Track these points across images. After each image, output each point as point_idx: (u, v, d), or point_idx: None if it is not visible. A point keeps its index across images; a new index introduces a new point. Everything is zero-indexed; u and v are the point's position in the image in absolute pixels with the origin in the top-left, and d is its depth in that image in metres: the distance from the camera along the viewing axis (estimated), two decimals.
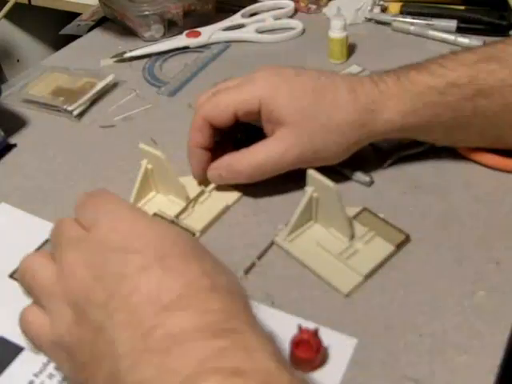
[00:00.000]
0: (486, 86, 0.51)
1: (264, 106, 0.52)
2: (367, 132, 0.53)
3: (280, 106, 0.52)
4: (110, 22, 0.89)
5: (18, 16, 1.19)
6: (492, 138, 0.55)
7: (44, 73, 0.76)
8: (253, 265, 0.50)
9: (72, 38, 0.89)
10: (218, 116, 0.53)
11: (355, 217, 0.52)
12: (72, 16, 1.01)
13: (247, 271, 0.49)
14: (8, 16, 0.81)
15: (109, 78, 0.73)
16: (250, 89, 0.54)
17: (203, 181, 0.56)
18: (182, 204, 0.54)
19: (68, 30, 0.96)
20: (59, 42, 0.94)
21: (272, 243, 0.51)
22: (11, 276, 0.50)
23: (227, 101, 0.53)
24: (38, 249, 0.52)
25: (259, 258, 0.50)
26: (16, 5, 0.79)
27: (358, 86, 0.53)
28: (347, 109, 0.52)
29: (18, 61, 1.28)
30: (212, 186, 0.56)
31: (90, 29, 0.91)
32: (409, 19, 0.80)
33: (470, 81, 0.51)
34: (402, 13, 0.82)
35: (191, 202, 0.55)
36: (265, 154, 0.53)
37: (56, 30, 1.01)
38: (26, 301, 0.48)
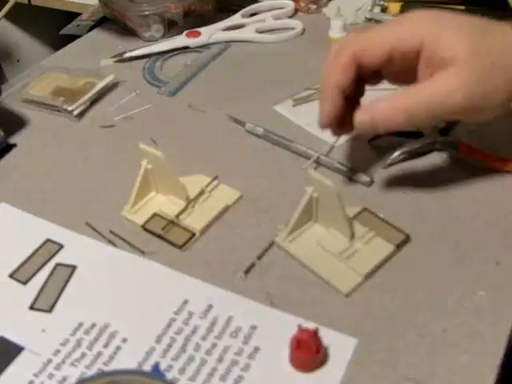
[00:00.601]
0: None
1: (427, 45, 0.47)
2: None
3: (447, 43, 0.47)
4: (110, 22, 0.89)
5: (18, 16, 1.19)
6: None
7: (44, 73, 0.76)
8: (253, 265, 0.50)
9: (72, 37, 0.89)
10: (372, 55, 0.48)
11: (355, 217, 0.52)
12: (72, 16, 1.01)
13: (247, 271, 0.49)
14: (8, 16, 0.81)
15: (109, 78, 0.73)
16: (409, 25, 0.48)
17: (333, 129, 0.53)
18: (182, 204, 0.54)
19: (68, 30, 0.96)
20: (59, 42, 0.94)
21: (272, 243, 0.51)
22: (11, 276, 0.50)
23: (384, 38, 0.48)
24: (38, 249, 0.52)
25: (259, 257, 0.50)
26: (16, 5, 0.79)
27: None
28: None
29: (18, 61, 1.28)
30: (212, 185, 0.56)
31: (90, 29, 0.91)
32: None
33: None
34: (402, 13, 0.82)
35: (191, 201, 0.55)
36: (430, 92, 0.47)
37: (56, 29, 1.01)
38: (26, 301, 0.48)
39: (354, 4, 0.83)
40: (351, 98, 0.51)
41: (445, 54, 0.47)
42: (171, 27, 0.83)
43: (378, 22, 0.82)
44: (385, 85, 0.55)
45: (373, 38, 0.49)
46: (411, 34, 0.47)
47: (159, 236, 0.52)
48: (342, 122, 0.52)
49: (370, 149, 0.60)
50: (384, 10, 0.83)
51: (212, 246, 0.52)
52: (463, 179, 0.56)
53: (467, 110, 0.47)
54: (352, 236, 0.50)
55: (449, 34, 0.47)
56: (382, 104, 0.48)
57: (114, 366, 0.43)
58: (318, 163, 0.59)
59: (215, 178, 0.57)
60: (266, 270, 0.49)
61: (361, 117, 0.49)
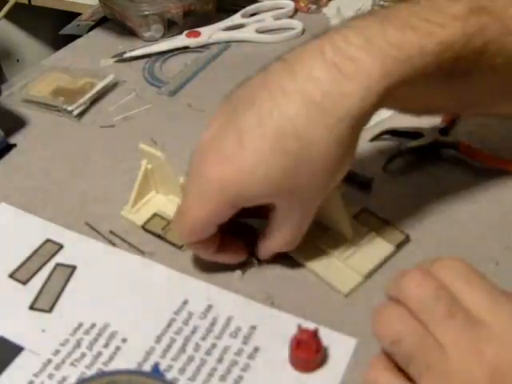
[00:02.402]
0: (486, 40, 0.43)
1: (237, 205, 0.44)
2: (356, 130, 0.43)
3: (254, 196, 0.43)
4: (110, 22, 0.89)
5: (18, 16, 1.19)
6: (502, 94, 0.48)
7: (44, 73, 0.76)
8: (251, 264, 0.50)
9: (72, 37, 0.89)
10: (201, 236, 0.46)
11: (355, 217, 0.51)
12: (72, 16, 1.01)
13: (244, 271, 0.49)
14: (8, 16, 0.81)
15: (109, 78, 0.73)
16: (208, 197, 0.44)
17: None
18: None
19: (68, 30, 0.96)
20: (59, 42, 0.95)
21: None
22: (11, 276, 0.50)
23: (196, 221, 0.45)
24: (38, 249, 0.52)
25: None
26: (16, 5, 0.79)
27: (314, 90, 0.41)
28: (322, 142, 0.42)
29: (17, 61, 1.28)
30: None
31: (90, 29, 0.91)
32: None
33: (467, 40, 0.42)
34: None
35: None
36: (282, 241, 0.47)
37: (56, 29, 1.01)
38: (26, 301, 0.48)
39: (354, 4, 0.83)
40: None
41: (257, 202, 0.44)
42: (171, 27, 0.83)
43: None
44: None
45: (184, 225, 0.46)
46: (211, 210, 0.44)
47: (159, 236, 0.52)
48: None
49: (370, 149, 0.60)
50: None
51: None
52: (463, 179, 0.56)
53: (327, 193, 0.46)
54: (352, 236, 0.50)
55: (247, 189, 0.43)
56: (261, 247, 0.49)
57: (114, 366, 0.43)
58: None
59: None
60: (266, 270, 0.49)
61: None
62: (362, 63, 0.41)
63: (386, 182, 0.56)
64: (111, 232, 0.53)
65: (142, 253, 0.51)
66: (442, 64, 0.42)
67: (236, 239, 0.49)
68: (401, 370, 0.37)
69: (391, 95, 0.42)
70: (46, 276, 0.50)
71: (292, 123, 0.41)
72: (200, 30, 0.82)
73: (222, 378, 0.42)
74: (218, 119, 0.45)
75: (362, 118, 0.42)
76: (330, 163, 0.42)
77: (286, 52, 0.45)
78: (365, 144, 0.60)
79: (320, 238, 0.50)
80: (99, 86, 0.72)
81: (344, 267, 0.48)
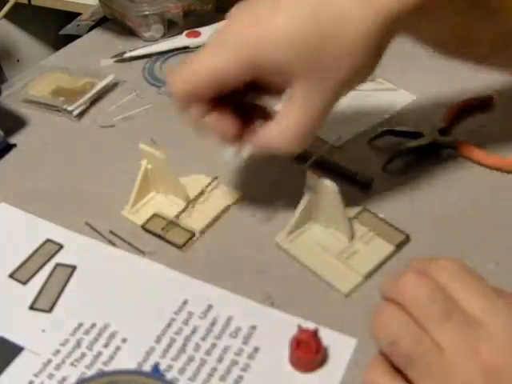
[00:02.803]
0: None
1: (253, 69, 0.42)
2: (384, 24, 0.42)
3: (276, 61, 0.42)
4: (110, 21, 0.89)
5: (18, 16, 1.19)
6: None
7: (44, 73, 0.76)
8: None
9: (72, 37, 0.89)
10: (198, 92, 0.44)
11: (355, 217, 0.52)
12: (72, 16, 1.01)
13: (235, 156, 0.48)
14: (8, 16, 0.81)
15: (109, 78, 0.73)
16: (227, 50, 0.43)
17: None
18: (182, 204, 0.54)
19: (68, 30, 0.96)
20: (59, 41, 0.94)
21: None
22: (11, 276, 0.50)
23: (201, 70, 0.43)
24: (38, 249, 0.52)
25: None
26: (16, 5, 0.80)
27: None
28: (353, 30, 0.41)
29: (18, 61, 1.28)
30: (212, 185, 0.56)
31: (90, 29, 0.91)
32: None
33: None
34: None
35: (191, 201, 0.55)
36: (295, 122, 0.44)
37: (56, 29, 1.01)
38: (26, 301, 0.48)
39: None
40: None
41: (279, 72, 0.43)
42: (171, 27, 0.83)
43: None
44: None
45: (192, 72, 0.44)
46: (230, 62, 0.42)
47: (159, 236, 0.52)
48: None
49: (370, 149, 0.60)
50: None
51: (212, 246, 0.52)
52: (463, 179, 0.56)
53: (342, 94, 0.45)
54: (352, 236, 0.50)
55: (274, 52, 0.42)
56: (262, 137, 0.46)
57: (114, 366, 0.43)
58: (318, 163, 0.58)
59: (215, 178, 0.57)
60: (266, 270, 0.49)
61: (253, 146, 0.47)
62: None
63: (386, 182, 0.56)
64: (111, 232, 0.53)
65: (142, 253, 0.51)
66: None
67: (234, 117, 0.47)
68: (398, 372, 0.37)
69: (425, 12, 0.42)
70: (46, 276, 0.50)
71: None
72: (200, 30, 0.82)
73: (222, 378, 0.42)
74: None
75: (395, 22, 0.42)
76: (358, 51, 0.42)
77: None
78: (365, 144, 0.61)
79: (320, 238, 0.50)
80: (99, 86, 0.72)
81: (344, 267, 0.48)
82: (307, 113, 0.44)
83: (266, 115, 0.48)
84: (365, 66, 0.44)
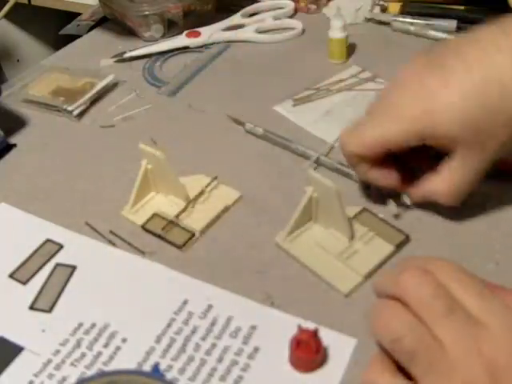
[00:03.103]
0: None
1: (419, 140, 0.47)
2: None
3: (441, 135, 0.46)
4: (110, 21, 0.89)
5: (18, 16, 1.19)
6: None
7: (44, 73, 0.76)
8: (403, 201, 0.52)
9: (72, 37, 0.89)
10: (367, 154, 0.50)
11: (355, 217, 0.52)
12: (72, 16, 1.01)
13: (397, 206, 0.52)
14: (8, 16, 0.81)
15: (109, 78, 0.73)
16: (397, 121, 0.48)
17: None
18: (182, 204, 0.54)
19: (68, 30, 0.96)
20: (59, 41, 0.95)
21: None
22: (11, 276, 0.50)
23: (372, 137, 0.49)
24: (38, 249, 0.52)
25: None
26: (16, 5, 0.80)
27: (503, 41, 0.46)
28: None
29: (18, 61, 1.28)
30: (212, 185, 0.56)
31: (90, 29, 0.92)
32: (409, 19, 0.80)
33: None
34: (402, 13, 0.82)
35: (191, 201, 0.55)
36: (453, 181, 0.49)
37: (56, 29, 1.01)
38: (26, 301, 0.48)
39: (354, 4, 0.83)
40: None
41: (446, 141, 0.47)
42: (171, 27, 0.83)
43: (378, 22, 0.82)
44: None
45: (363, 137, 0.49)
46: (400, 132, 0.47)
47: (159, 236, 0.52)
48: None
49: None
50: (384, 10, 0.83)
51: (212, 246, 0.52)
52: None
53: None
54: (352, 236, 0.50)
55: (443, 123, 0.46)
56: (426, 186, 0.50)
57: (114, 366, 0.43)
58: (318, 163, 0.59)
59: (215, 178, 0.57)
60: (266, 270, 0.49)
61: (412, 195, 0.52)
62: None
63: None
64: (111, 232, 0.53)
65: (142, 253, 0.51)
66: None
67: (394, 167, 0.51)
68: (399, 370, 0.37)
69: None
70: (46, 276, 0.50)
71: (499, 71, 0.45)
72: (200, 29, 0.82)
73: (222, 378, 0.42)
74: (419, 61, 0.48)
75: None
76: (507, 121, 0.45)
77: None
78: None
79: (320, 238, 0.50)
80: (99, 86, 0.72)
81: (344, 267, 0.48)
82: (465, 174, 0.48)
83: (424, 162, 0.52)
84: None
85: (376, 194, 0.54)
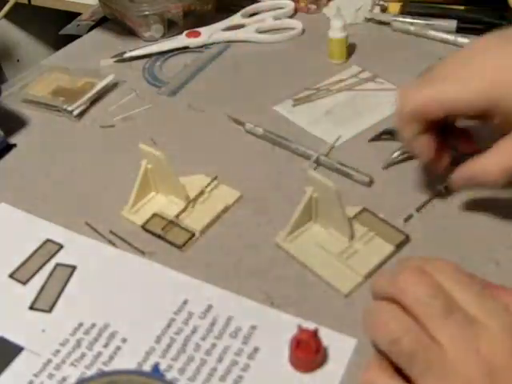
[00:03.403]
0: None
1: (495, 108, 0.46)
2: None
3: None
4: (110, 21, 0.89)
5: (18, 16, 1.20)
6: None
7: (44, 73, 0.76)
8: (411, 216, 0.52)
9: (72, 37, 0.89)
10: (433, 114, 0.48)
11: (355, 217, 0.52)
12: (72, 16, 1.01)
13: (407, 219, 0.52)
14: (8, 16, 0.81)
15: (109, 78, 0.73)
16: (474, 85, 0.46)
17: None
18: (182, 204, 0.54)
19: (68, 30, 0.96)
20: (59, 41, 0.95)
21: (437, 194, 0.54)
22: (11, 276, 0.50)
23: (443, 98, 0.47)
24: (38, 249, 0.52)
25: (418, 209, 0.53)
26: (16, 5, 0.80)
27: None
28: None
29: (18, 61, 1.28)
30: (212, 185, 0.56)
31: (90, 29, 0.91)
32: (409, 19, 0.79)
33: None
34: (402, 13, 0.82)
35: (191, 201, 0.55)
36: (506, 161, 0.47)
37: (56, 29, 1.01)
38: (26, 301, 0.48)
39: (354, 4, 0.83)
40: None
41: None
42: (171, 27, 0.83)
43: (378, 22, 0.82)
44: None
45: (432, 97, 0.48)
46: (478, 97, 0.46)
47: (159, 236, 0.52)
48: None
49: (370, 149, 0.60)
50: (384, 10, 0.83)
51: (212, 246, 0.52)
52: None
53: None
54: (352, 236, 0.50)
55: None
56: (476, 165, 0.48)
57: (114, 366, 0.43)
58: (318, 163, 0.59)
59: (215, 178, 0.57)
60: (266, 270, 0.49)
61: (457, 176, 0.50)
62: None
63: (385, 182, 0.56)
64: (111, 232, 0.53)
65: (142, 253, 0.51)
66: None
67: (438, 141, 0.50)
68: (397, 371, 0.37)
69: None
70: (46, 276, 0.50)
71: None
72: (200, 29, 0.82)
73: (222, 378, 0.42)
74: (493, 35, 0.48)
75: None
76: None
77: None
78: (365, 144, 0.61)
79: (320, 238, 0.50)
80: (99, 85, 0.72)
81: (344, 267, 0.48)
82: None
83: (464, 138, 0.53)
84: None
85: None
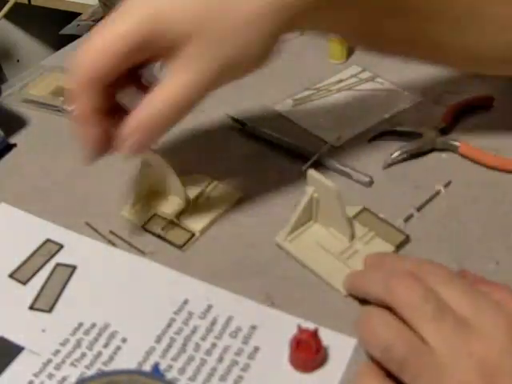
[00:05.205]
0: None
1: (150, 32, 0.41)
2: (284, 12, 0.42)
3: (171, 24, 0.41)
4: None
5: (18, 16, 1.20)
6: (426, 41, 0.48)
7: (44, 73, 0.76)
8: (411, 216, 0.52)
9: (72, 37, 0.89)
10: (101, 67, 0.42)
11: (355, 217, 0.52)
12: (72, 16, 1.02)
13: (407, 219, 0.51)
14: (8, 16, 0.81)
15: None
16: (125, 17, 0.41)
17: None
18: (182, 204, 0.54)
19: (68, 29, 0.96)
20: (59, 41, 0.95)
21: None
22: (11, 276, 0.50)
23: (101, 43, 0.41)
24: (38, 249, 0.52)
25: (418, 209, 0.52)
26: (16, 5, 0.80)
27: None
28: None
29: (17, 61, 1.28)
30: (212, 185, 0.56)
31: (90, 29, 0.91)
32: None
33: None
34: None
35: (191, 202, 0.55)
36: (174, 92, 0.43)
37: (56, 29, 1.01)
38: (26, 301, 0.48)
39: None
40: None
41: (173, 37, 0.41)
42: None
43: None
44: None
45: (93, 47, 0.42)
46: (131, 26, 0.41)
47: (159, 236, 0.52)
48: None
49: (370, 149, 0.60)
50: None
51: (212, 246, 0.52)
52: (463, 179, 0.56)
53: (226, 80, 0.45)
54: (352, 236, 0.50)
55: (171, 14, 0.41)
56: (134, 124, 0.44)
57: (114, 366, 0.43)
58: (318, 163, 0.59)
59: (215, 178, 0.57)
60: (266, 270, 0.49)
61: (123, 145, 0.45)
62: None
63: (385, 182, 0.56)
64: (111, 232, 0.53)
65: (142, 253, 0.51)
66: None
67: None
68: (389, 377, 0.37)
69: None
70: (46, 276, 0.50)
71: None
72: None
73: (222, 377, 0.42)
74: None
75: (285, 10, 0.42)
76: (251, 28, 0.42)
77: None
78: (365, 144, 0.61)
79: (320, 238, 0.50)
80: None
81: (344, 267, 0.48)
82: (188, 81, 0.43)
83: None
84: (255, 48, 0.43)
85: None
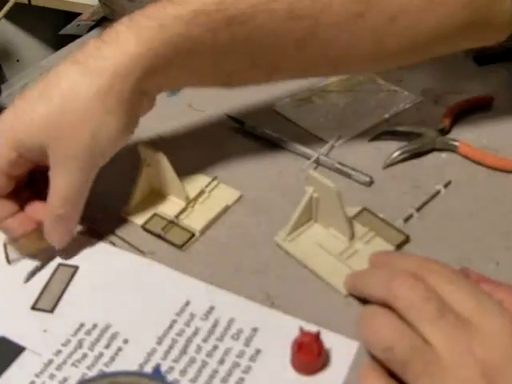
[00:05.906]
0: (237, 12, 0.47)
1: (17, 154, 0.48)
2: (124, 92, 0.47)
3: (31, 145, 0.47)
4: (110, 22, 0.89)
5: (18, 16, 1.20)
6: (267, 66, 0.52)
7: (44, 73, 0.75)
8: (411, 216, 0.52)
9: (72, 37, 0.89)
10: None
11: (355, 217, 0.52)
12: (72, 16, 1.02)
13: (407, 219, 0.51)
14: (8, 16, 0.81)
15: None
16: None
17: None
18: (182, 204, 0.54)
19: (68, 30, 0.96)
20: (59, 41, 0.95)
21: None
22: (13, 276, 0.50)
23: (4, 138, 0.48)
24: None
25: (418, 209, 0.52)
26: (16, 5, 0.79)
27: (79, 55, 0.48)
28: (82, 94, 0.47)
29: (17, 61, 1.28)
30: (212, 185, 0.56)
31: (90, 29, 0.92)
32: None
33: (218, 8, 0.47)
34: None
35: (191, 201, 0.55)
36: (61, 190, 0.49)
37: (56, 29, 1.01)
38: (28, 301, 0.48)
39: None
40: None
41: (36, 151, 0.48)
42: None
43: None
44: None
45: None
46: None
47: (159, 236, 0.52)
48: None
49: (370, 149, 0.60)
50: None
51: (212, 246, 0.52)
52: (463, 179, 0.56)
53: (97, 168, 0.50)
54: (352, 236, 0.50)
55: (27, 130, 0.47)
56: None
57: (115, 367, 0.43)
58: (318, 163, 0.59)
59: (215, 178, 0.57)
60: (266, 271, 0.49)
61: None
62: (121, 33, 0.50)
63: (385, 182, 0.56)
64: (111, 232, 0.53)
65: (142, 253, 0.52)
66: (198, 31, 0.47)
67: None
68: (392, 377, 0.37)
69: (167, 66, 0.48)
70: (48, 276, 0.50)
71: (58, 76, 0.49)
72: None
73: (224, 379, 0.42)
74: None
75: (121, 80, 0.47)
76: (90, 118, 0.46)
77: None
78: (365, 144, 0.61)
79: (320, 238, 0.50)
80: None
81: (344, 267, 0.48)
82: (68, 181, 0.48)
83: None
84: (107, 126, 0.48)
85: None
